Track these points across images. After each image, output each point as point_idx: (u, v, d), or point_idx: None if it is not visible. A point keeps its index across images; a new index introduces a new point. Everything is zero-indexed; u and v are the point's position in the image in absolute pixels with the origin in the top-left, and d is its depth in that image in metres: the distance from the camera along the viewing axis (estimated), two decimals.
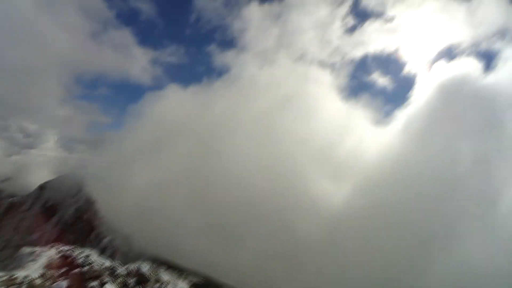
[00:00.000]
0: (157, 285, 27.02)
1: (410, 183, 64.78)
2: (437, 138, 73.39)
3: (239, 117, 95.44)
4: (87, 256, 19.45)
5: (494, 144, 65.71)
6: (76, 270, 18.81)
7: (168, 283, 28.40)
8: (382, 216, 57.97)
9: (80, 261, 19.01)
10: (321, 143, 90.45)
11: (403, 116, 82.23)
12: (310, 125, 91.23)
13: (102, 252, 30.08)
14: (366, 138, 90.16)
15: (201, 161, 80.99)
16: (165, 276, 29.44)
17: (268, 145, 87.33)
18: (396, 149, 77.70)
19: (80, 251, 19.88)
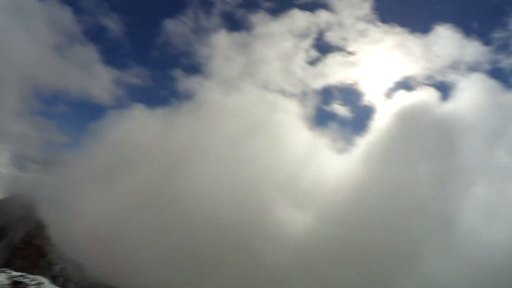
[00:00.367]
0: None
1: (372, 209, 68.32)
2: (396, 164, 78.56)
3: (205, 143, 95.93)
4: (39, 283, 18.84)
5: (450, 168, 71.58)
6: None
7: None
8: (345, 244, 60.36)
9: None
10: (286, 171, 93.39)
11: (364, 143, 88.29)
12: (276, 153, 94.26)
13: (53, 280, 28.58)
14: (329, 166, 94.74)
15: (163, 186, 79.58)
16: None
17: (234, 173, 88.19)
18: (358, 176, 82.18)
19: (31, 278, 19.20)
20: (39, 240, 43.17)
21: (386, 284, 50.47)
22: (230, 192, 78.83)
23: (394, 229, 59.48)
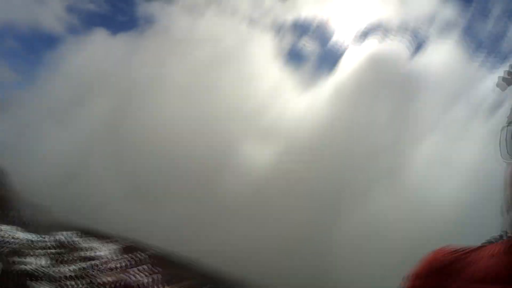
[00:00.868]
0: (83, 253, 27.81)
1: (332, 147, 73.14)
2: (359, 107, 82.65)
3: (168, 73, 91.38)
4: (12, 233, 19.27)
5: (410, 119, 76.90)
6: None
7: (94, 250, 29.36)
8: (303, 179, 65.17)
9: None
10: (252, 105, 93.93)
11: (331, 84, 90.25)
12: (242, 85, 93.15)
13: (23, 227, 29.08)
14: (295, 103, 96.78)
15: (124, 119, 77.60)
16: (90, 243, 30.26)
17: (198, 104, 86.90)
18: (321, 115, 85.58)
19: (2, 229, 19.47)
20: (2, 190, 42.13)
21: (336, 219, 56.37)
22: (193, 124, 78.85)
23: (350, 168, 64.88)
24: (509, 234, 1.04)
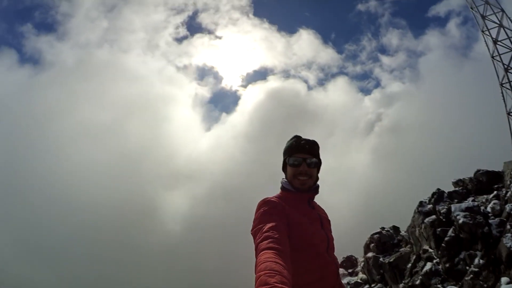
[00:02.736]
0: None
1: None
2: (253, 140, 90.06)
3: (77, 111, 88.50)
4: None
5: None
6: None
7: None
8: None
9: None
10: (164, 151, 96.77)
11: (229, 122, 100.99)
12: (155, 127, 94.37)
13: None
14: (203, 142, 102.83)
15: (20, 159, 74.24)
16: None
17: (109, 148, 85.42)
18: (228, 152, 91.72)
19: None
20: None
21: None
22: (107, 169, 77.25)
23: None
24: None
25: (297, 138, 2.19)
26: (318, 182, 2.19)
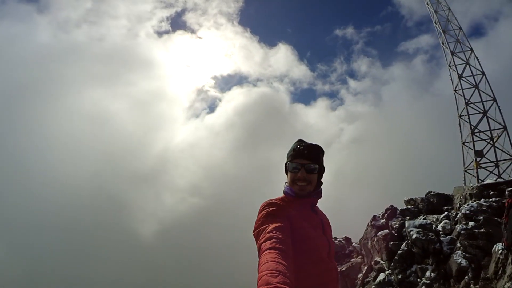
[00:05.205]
0: None
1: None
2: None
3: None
4: None
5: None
6: None
7: None
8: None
9: None
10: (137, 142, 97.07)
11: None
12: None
13: None
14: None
15: None
16: None
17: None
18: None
19: None
20: None
21: None
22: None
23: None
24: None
25: (299, 143, 2.17)
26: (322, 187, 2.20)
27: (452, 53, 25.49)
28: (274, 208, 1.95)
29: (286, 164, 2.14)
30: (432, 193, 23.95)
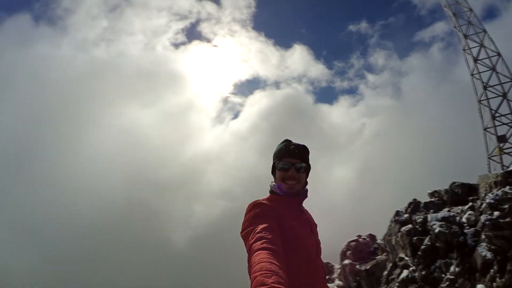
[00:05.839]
0: None
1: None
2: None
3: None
4: None
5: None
6: None
7: None
8: None
9: None
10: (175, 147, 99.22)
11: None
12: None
13: None
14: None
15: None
16: None
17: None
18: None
19: None
20: None
21: None
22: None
23: None
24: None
25: (287, 142, 2.21)
26: (307, 187, 2.21)
27: (465, 36, 24.49)
28: (262, 209, 1.97)
29: (274, 163, 2.18)
30: (456, 183, 23.13)
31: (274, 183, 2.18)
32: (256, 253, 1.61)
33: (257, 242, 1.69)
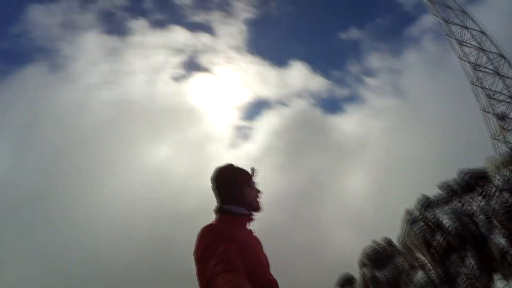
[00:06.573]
0: None
1: None
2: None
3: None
4: None
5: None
6: None
7: None
8: None
9: None
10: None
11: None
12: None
13: None
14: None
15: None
16: None
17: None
18: None
19: None
20: None
21: None
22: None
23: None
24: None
25: (245, 168, 2.38)
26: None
27: (446, 21, 24.03)
28: (218, 232, 2.01)
29: (249, 184, 2.29)
30: (464, 171, 22.03)
31: (233, 206, 2.23)
32: (220, 275, 1.65)
33: (220, 265, 1.71)
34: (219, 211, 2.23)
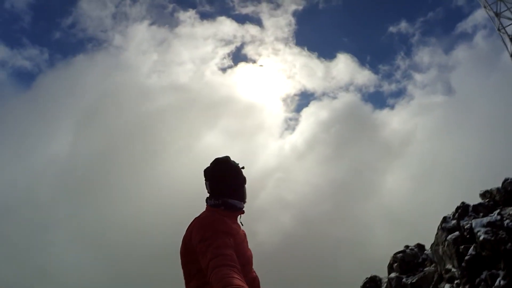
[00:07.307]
0: None
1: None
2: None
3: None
4: None
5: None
6: None
7: None
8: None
9: None
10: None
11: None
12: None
13: None
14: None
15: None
16: None
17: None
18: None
19: None
20: None
21: None
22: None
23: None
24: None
25: (234, 163, 2.39)
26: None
27: (497, 15, 21.92)
28: (218, 225, 2.00)
29: (242, 180, 2.33)
30: (509, 180, 20.48)
31: (231, 199, 2.24)
32: (217, 269, 1.66)
33: (216, 258, 1.73)
34: (215, 203, 2.23)
